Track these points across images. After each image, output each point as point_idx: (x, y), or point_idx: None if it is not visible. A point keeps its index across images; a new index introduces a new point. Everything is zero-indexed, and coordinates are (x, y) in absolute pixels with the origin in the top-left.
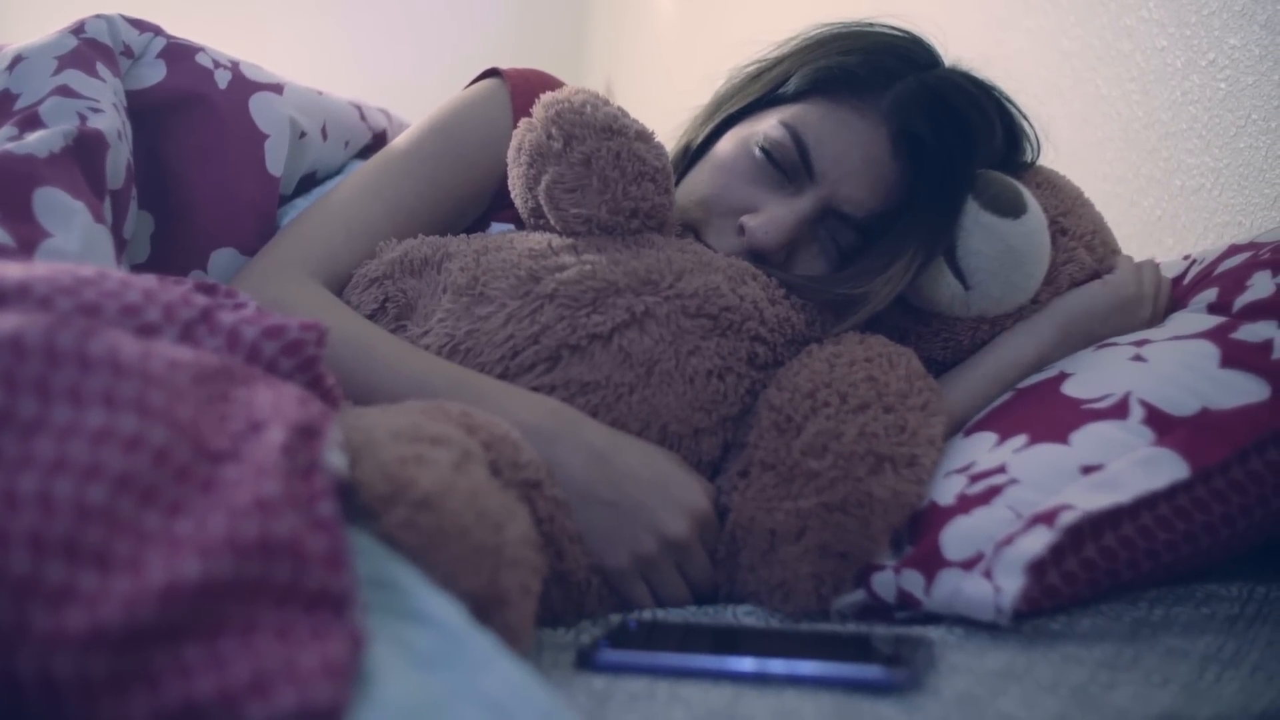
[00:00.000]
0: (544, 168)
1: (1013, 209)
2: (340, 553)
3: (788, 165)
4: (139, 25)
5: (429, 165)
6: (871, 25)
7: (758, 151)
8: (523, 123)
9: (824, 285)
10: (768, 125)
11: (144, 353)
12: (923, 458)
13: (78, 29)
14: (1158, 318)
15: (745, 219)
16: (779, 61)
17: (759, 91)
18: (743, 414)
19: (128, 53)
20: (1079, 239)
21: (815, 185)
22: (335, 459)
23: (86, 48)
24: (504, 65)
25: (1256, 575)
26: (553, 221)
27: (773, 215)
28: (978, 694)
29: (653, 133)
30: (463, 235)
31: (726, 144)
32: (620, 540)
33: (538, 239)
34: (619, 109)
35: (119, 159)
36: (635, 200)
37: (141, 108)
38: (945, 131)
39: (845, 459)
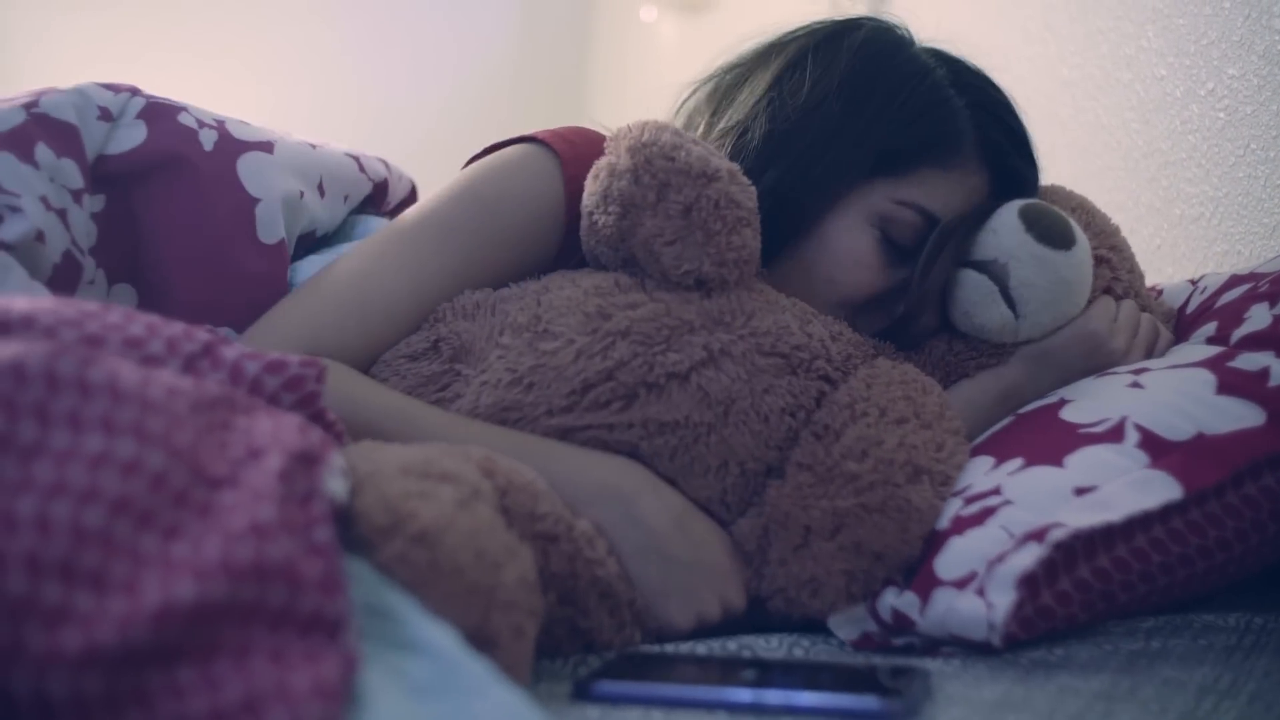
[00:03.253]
0: (639, 219)
1: (1064, 241)
2: (335, 577)
3: (919, 242)
4: (113, 88)
5: (466, 239)
6: (888, 43)
7: (889, 239)
8: (603, 166)
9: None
10: (886, 208)
11: (143, 380)
12: (955, 480)
13: (32, 103)
14: (1137, 351)
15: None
16: (822, 120)
17: (847, 168)
18: None
19: (105, 115)
20: (1119, 277)
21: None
22: (336, 486)
23: (33, 125)
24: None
25: (1255, 606)
26: (652, 274)
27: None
28: None
29: (739, 169)
30: (512, 284)
31: (848, 236)
32: (691, 600)
33: (601, 277)
34: (706, 147)
35: (41, 261)
36: (737, 250)
37: (120, 172)
38: (1027, 160)
39: (885, 465)
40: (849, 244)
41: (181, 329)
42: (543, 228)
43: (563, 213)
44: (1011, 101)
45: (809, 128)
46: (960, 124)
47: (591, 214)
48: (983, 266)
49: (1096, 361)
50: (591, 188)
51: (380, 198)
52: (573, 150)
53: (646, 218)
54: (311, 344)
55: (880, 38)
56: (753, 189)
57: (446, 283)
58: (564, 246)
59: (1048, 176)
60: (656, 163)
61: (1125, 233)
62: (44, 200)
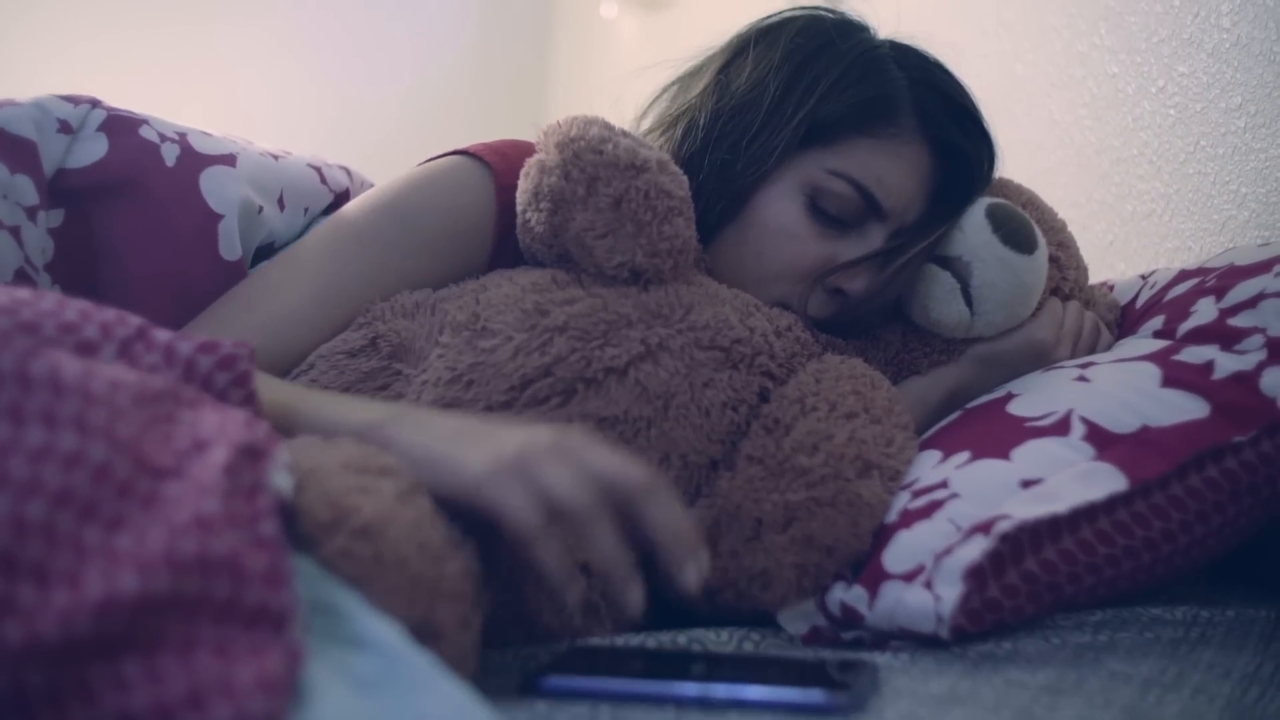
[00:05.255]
0: (570, 214)
1: (1028, 245)
2: (280, 571)
3: (851, 214)
4: (72, 100)
5: (381, 249)
6: (821, 18)
7: (818, 208)
8: (533, 164)
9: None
10: (817, 177)
11: (85, 373)
12: (903, 475)
13: None
14: (1080, 355)
15: (840, 283)
16: (760, 97)
17: (778, 139)
18: None
19: (65, 129)
20: (1065, 276)
21: (885, 222)
22: (281, 480)
23: None
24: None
25: (1202, 599)
26: (587, 268)
27: (861, 270)
28: (921, 715)
29: (669, 159)
30: (451, 284)
31: (775, 206)
32: (482, 445)
33: (538, 274)
34: (635, 139)
35: None
36: (669, 239)
37: (81, 187)
38: (971, 135)
39: (836, 459)
40: (775, 214)
41: (115, 314)
42: (465, 240)
43: (492, 225)
44: (960, 81)
45: (748, 107)
46: (892, 91)
47: (524, 212)
48: (946, 263)
49: (1041, 366)
50: (523, 186)
51: (343, 205)
52: (505, 162)
53: (577, 212)
54: None
55: (825, 19)
56: (684, 178)
57: (361, 290)
58: (495, 257)
59: (1001, 172)
60: (585, 157)
61: (1078, 229)
62: None
